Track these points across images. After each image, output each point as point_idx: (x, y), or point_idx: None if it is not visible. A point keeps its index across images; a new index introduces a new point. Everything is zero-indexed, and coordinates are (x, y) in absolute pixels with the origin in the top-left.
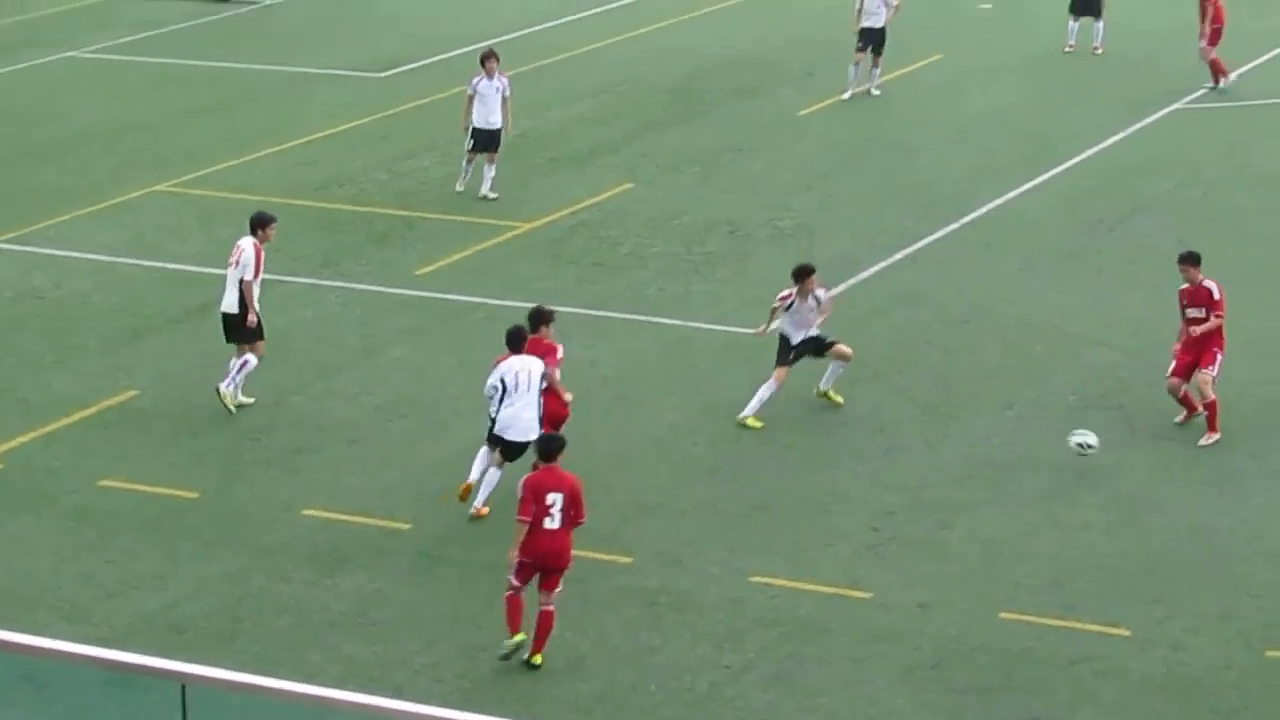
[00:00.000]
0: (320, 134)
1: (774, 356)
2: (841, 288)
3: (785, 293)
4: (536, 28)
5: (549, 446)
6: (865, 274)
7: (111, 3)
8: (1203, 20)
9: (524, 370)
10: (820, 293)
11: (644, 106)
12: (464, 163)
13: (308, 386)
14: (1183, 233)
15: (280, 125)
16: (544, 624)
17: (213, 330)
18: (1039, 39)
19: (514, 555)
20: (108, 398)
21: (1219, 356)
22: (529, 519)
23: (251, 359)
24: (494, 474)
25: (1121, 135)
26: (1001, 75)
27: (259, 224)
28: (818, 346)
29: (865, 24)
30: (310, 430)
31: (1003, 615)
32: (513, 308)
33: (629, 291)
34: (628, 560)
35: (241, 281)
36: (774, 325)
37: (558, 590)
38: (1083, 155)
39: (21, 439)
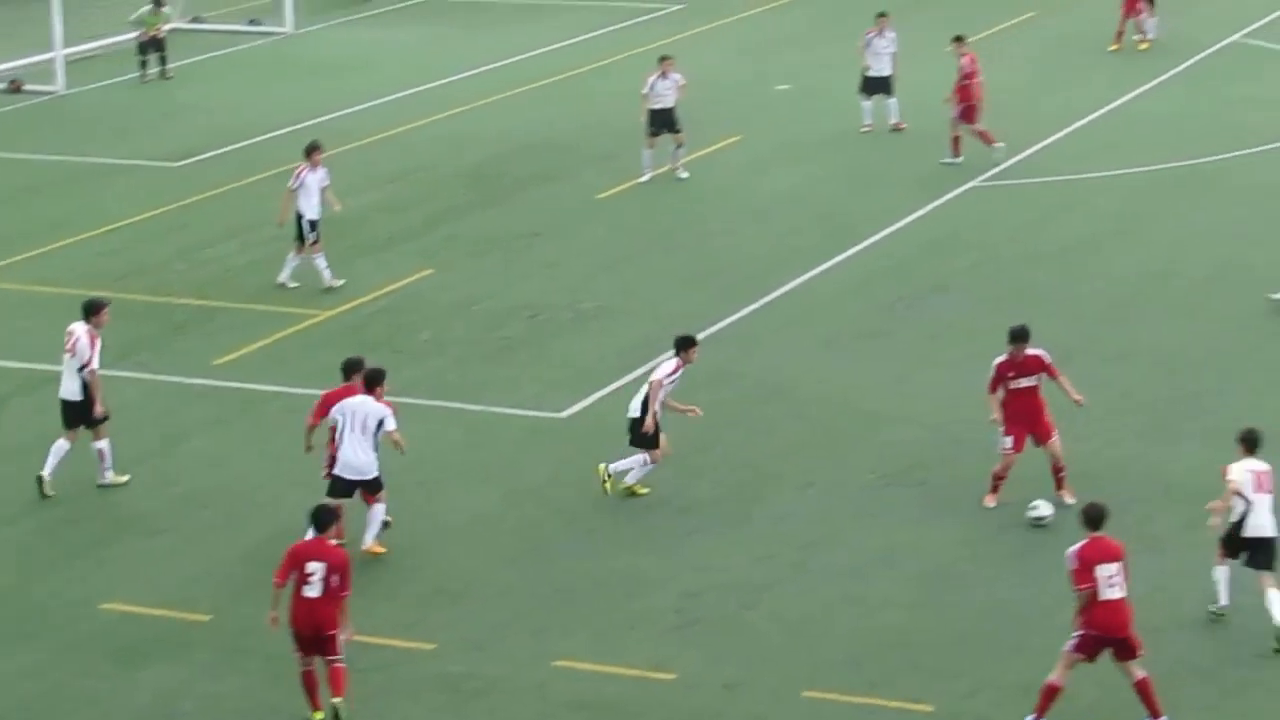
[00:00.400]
0: (118, 224)
1: (576, 439)
2: (642, 370)
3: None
4: (332, 115)
5: (320, 518)
6: (665, 355)
7: None
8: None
9: (359, 412)
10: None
11: (443, 192)
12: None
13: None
14: (980, 310)
15: (78, 216)
16: (334, 679)
17: (12, 424)
18: (836, 119)
19: (271, 616)
20: None
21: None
22: (282, 583)
23: (105, 443)
24: (371, 512)
25: (918, 214)
26: (800, 156)
27: (91, 310)
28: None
29: (653, 106)
30: (111, 522)
31: (806, 694)
32: (313, 396)
33: (430, 378)
34: (431, 647)
35: (82, 369)
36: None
37: (338, 656)
38: (880, 234)
39: None
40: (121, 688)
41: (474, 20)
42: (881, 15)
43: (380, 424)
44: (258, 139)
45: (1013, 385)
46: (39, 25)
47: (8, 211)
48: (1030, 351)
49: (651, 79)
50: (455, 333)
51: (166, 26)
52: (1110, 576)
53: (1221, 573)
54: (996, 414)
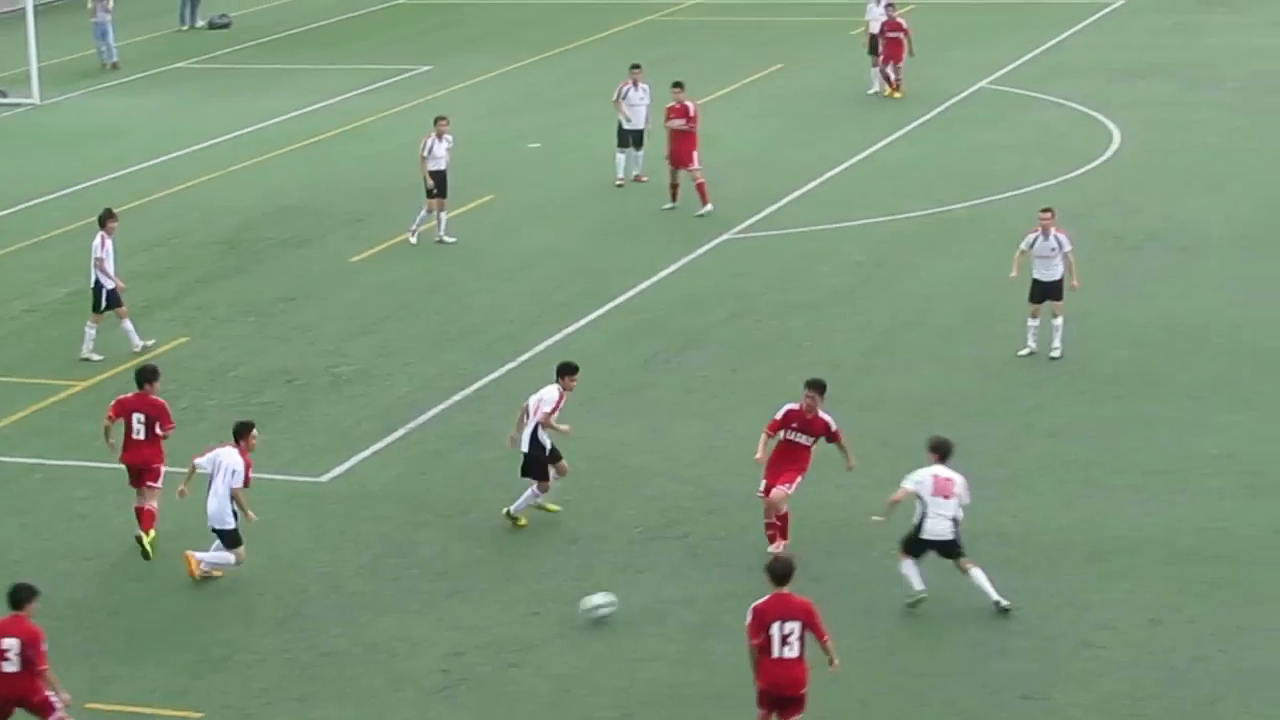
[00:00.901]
0: None
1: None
2: (401, 431)
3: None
4: (82, 185)
5: (14, 594)
6: (425, 416)
7: None
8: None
9: (221, 462)
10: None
11: (196, 259)
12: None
13: None
14: (737, 361)
15: None
16: None
17: None
18: (589, 175)
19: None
20: None
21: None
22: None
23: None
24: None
25: (674, 268)
26: (554, 213)
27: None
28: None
29: (432, 168)
30: None
31: None
32: (72, 466)
33: (188, 446)
34: (198, 716)
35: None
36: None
37: (56, 715)
38: (637, 289)
39: None
40: None
41: (222, 87)
42: (635, 67)
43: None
44: (6, 211)
45: (789, 437)
46: None
47: None
48: (823, 416)
49: (428, 140)
50: (213, 399)
51: None
52: (787, 635)
53: (907, 565)
54: (761, 454)
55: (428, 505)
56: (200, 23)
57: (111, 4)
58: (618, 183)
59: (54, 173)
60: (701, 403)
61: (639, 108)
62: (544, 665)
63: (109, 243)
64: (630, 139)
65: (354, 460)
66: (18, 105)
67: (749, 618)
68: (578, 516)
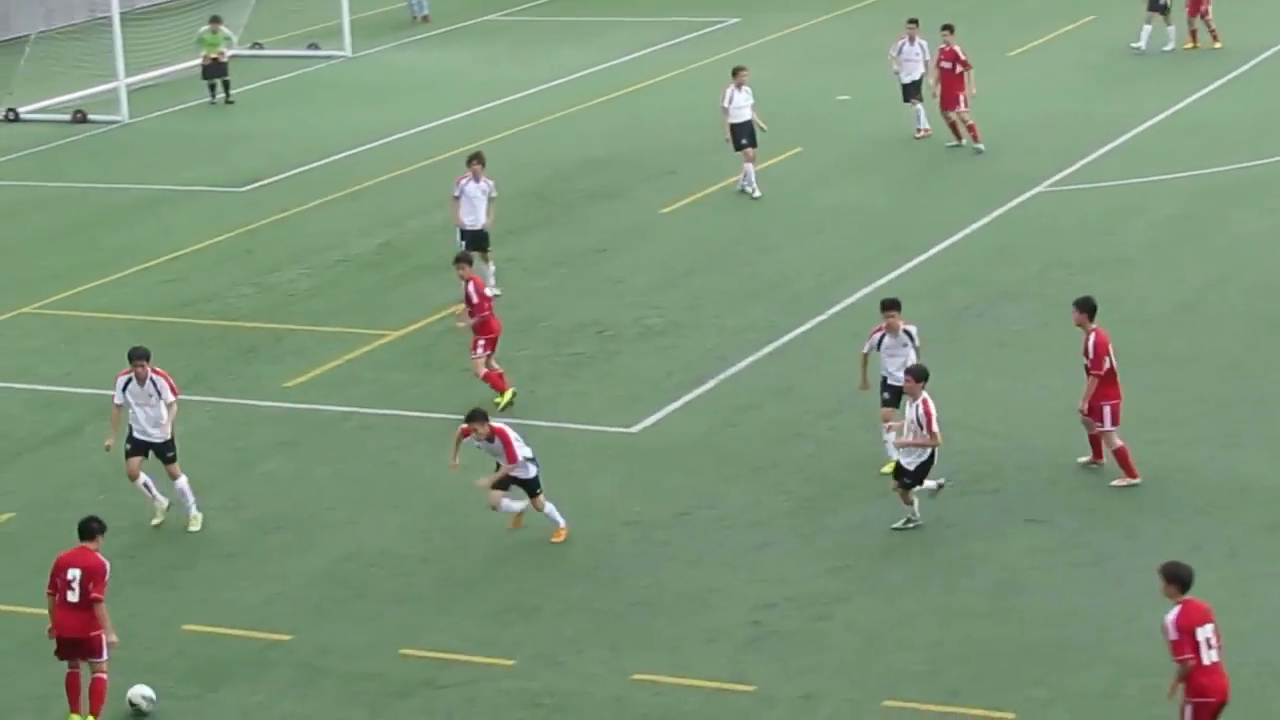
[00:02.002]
0: (184, 251)
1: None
2: (711, 384)
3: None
4: (393, 137)
5: (86, 526)
6: (734, 369)
7: None
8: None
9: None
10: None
11: (506, 211)
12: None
13: (182, 502)
14: (1050, 315)
15: (144, 243)
16: (95, 691)
17: (86, 450)
18: (898, 129)
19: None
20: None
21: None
22: (53, 593)
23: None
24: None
25: (984, 221)
26: (862, 165)
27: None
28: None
29: (734, 120)
30: (186, 546)
31: (886, 704)
32: (384, 415)
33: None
34: (509, 663)
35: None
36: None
37: (101, 659)
38: (946, 243)
39: None
40: (204, 708)
41: (530, 39)
42: (911, 22)
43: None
44: (320, 162)
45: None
46: (102, 56)
47: (75, 241)
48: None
49: (728, 90)
50: (523, 351)
51: (229, 51)
52: (1209, 639)
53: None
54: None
55: (737, 457)
56: None
57: None
58: (917, 134)
59: (365, 125)
60: (1013, 357)
61: (914, 63)
62: (853, 619)
63: (460, 184)
64: (907, 92)
65: (663, 412)
66: (330, 58)
67: (1173, 634)
68: (881, 478)
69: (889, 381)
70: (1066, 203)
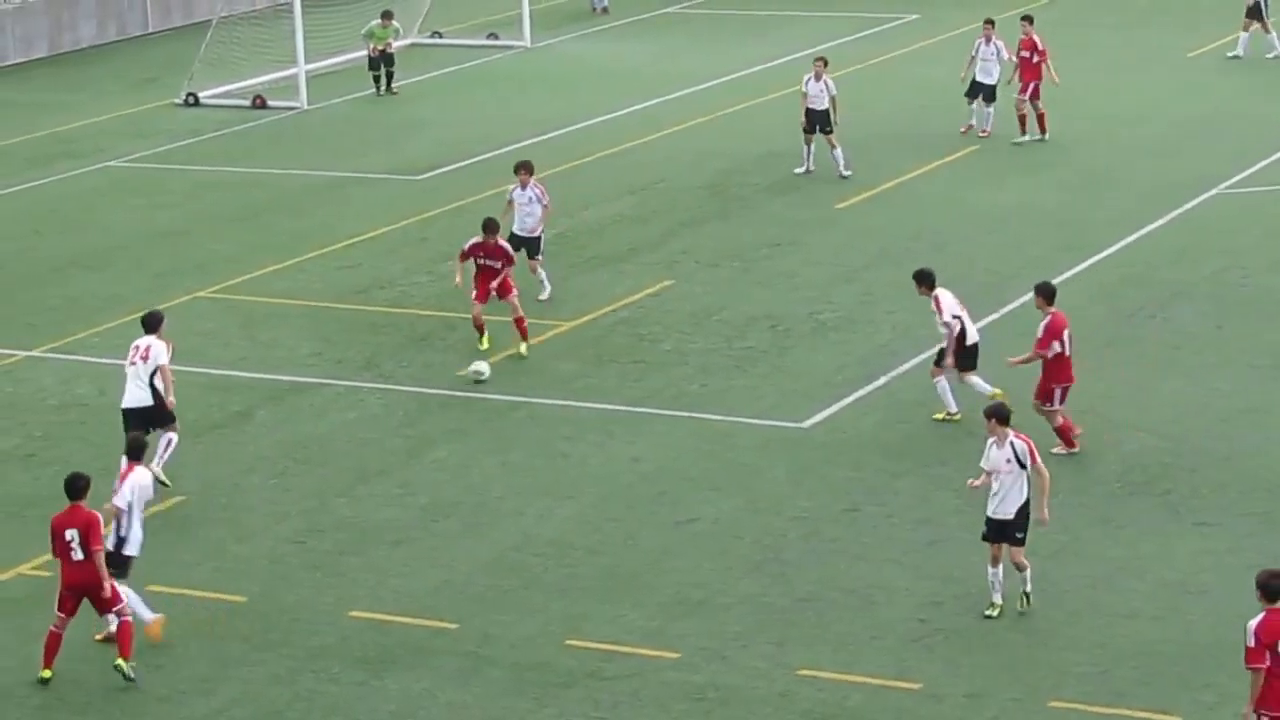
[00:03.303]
0: (360, 237)
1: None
2: (883, 380)
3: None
4: (570, 128)
5: (73, 484)
6: (906, 366)
7: (146, 113)
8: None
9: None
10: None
11: (681, 204)
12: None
13: (351, 489)
14: (1223, 318)
15: (320, 229)
16: (123, 631)
17: (257, 434)
18: (1072, 128)
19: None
20: (154, 503)
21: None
22: (57, 556)
23: (174, 436)
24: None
25: (1161, 222)
26: (1038, 165)
27: (158, 323)
28: None
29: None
30: (355, 533)
31: (1052, 704)
32: (555, 405)
33: (670, 388)
34: (674, 656)
35: (158, 371)
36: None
37: (118, 606)
38: (1120, 244)
39: None
40: (368, 695)
41: (709, 33)
42: (988, 23)
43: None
44: (497, 152)
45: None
46: (282, 42)
47: (252, 226)
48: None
49: (807, 78)
50: (695, 343)
51: (397, 42)
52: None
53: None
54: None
55: (907, 454)
56: None
57: None
58: (975, 130)
59: (542, 116)
60: (1186, 358)
61: (990, 63)
62: (1020, 618)
63: (511, 192)
64: (980, 92)
65: (835, 407)
66: (509, 48)
67: (1250, 641)
68: (1059, 468)
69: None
70: (1243, 205)
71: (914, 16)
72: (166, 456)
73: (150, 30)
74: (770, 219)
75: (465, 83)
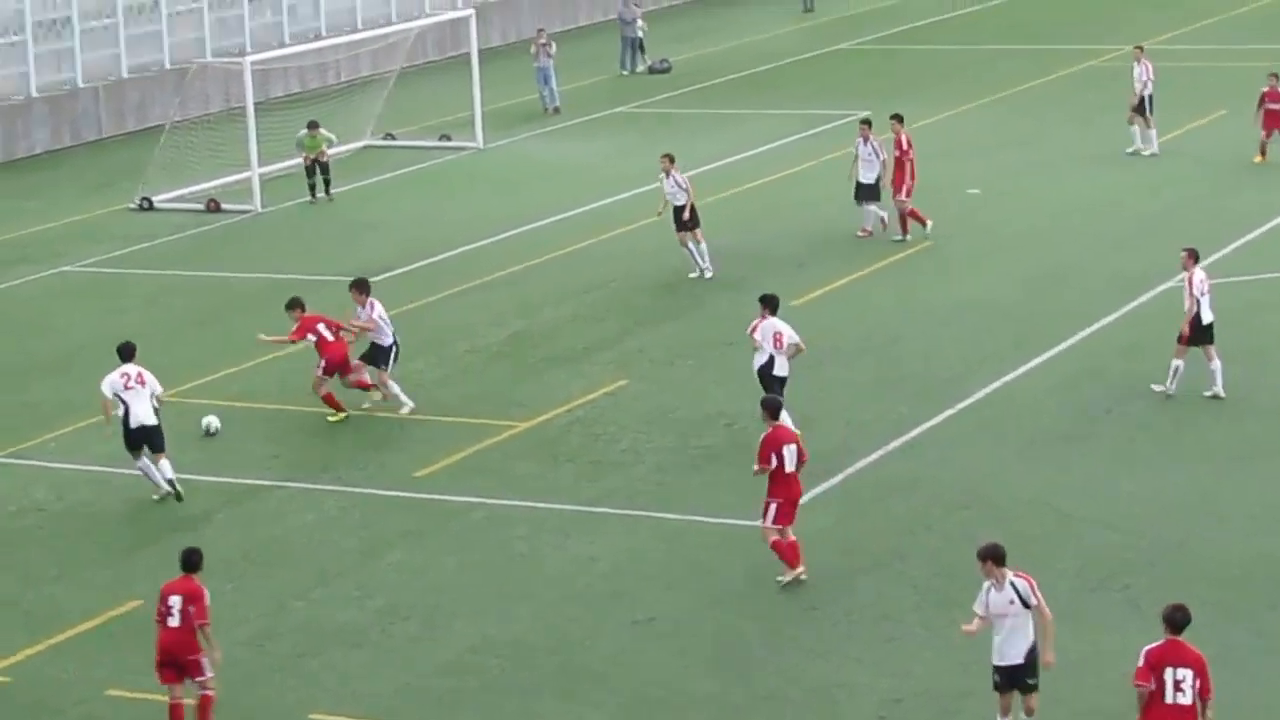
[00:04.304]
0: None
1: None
2: (839, 477)
3: None
4: (524, 228)
5: (188, 559)
6: (862, 463)
7: (102, 217)
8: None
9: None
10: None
11: (634, 302)
12: None
13: (309, 591)
14: (1178, 413)
15: (275, 331)
16: (204, 705)
17: (215, 537)
18: (1026, 220)
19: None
20: (112, 608)
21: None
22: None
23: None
24: None
25: (1112, 317)
26: (991, 259)
27: (134, 351)
28: None
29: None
30: (313, 635)
31: None
32: (512, 506)
33: (627, 487)
34: None
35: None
36: None
37: (203, 678)
38: (1074, 338)
39: (27, 652)
40: None
41: (661, 131)
42: (864, 123)
43: None
44: (450, 253)
45: None
46: (236, 146)
47: (209, 329)
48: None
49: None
50: (652, 442)
51: (330, 150)
52: (1180, 682)
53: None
54: None
55: (865, 550)
56: (641, 68)
57: (554, 50)
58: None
59: (495, 216)
60: (1143, 452)
61: (870, 163)
62: (982, 714)
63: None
64: (864, 194)
65: None
66: (462, 149)
67: (1140, 660)
68: (1016, 565)
69: None
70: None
71: (865, 113)
72: (172, 474)
73: (104, 135)
74: (724, 317)
75: (418, 184)
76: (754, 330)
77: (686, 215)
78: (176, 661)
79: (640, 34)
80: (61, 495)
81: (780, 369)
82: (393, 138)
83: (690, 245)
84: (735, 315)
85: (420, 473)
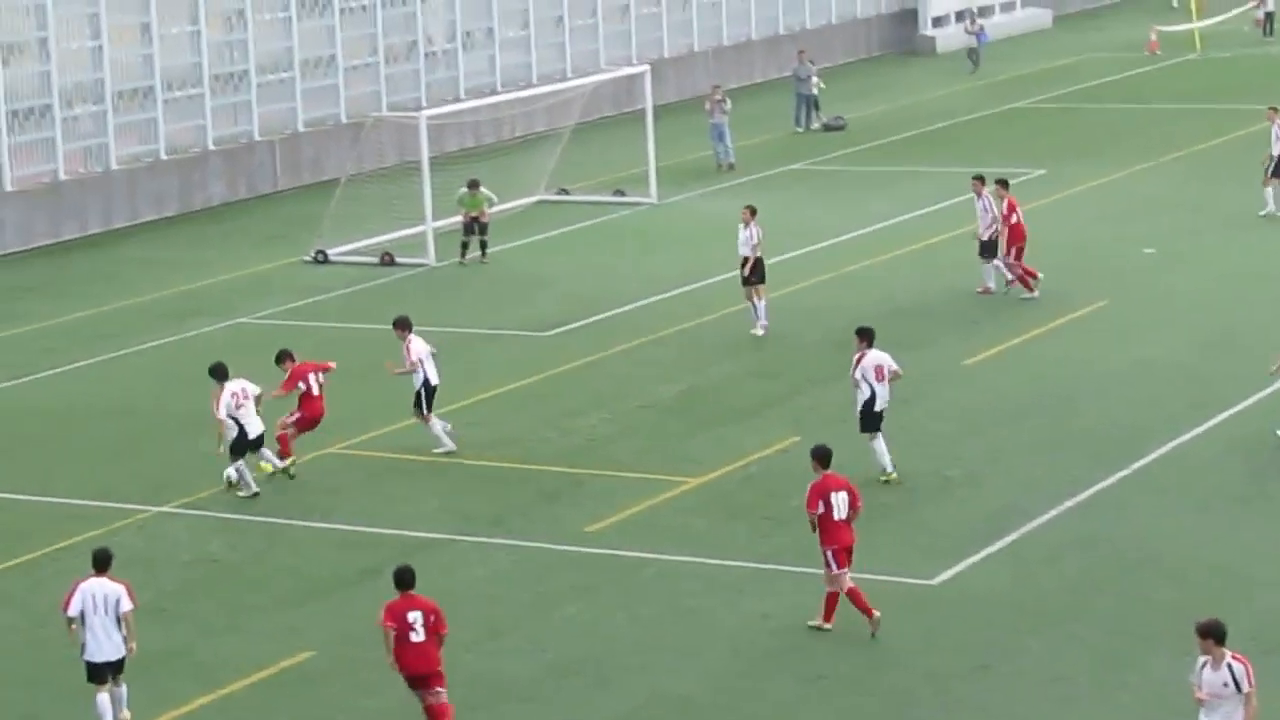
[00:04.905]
0: (487, 393)
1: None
2: (1011, 536)
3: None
4: (696, 284)
5: (404, 576)
6: (1035, 523)
7: (275, 270)
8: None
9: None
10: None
11: (808, 360)
12: None
13: (480, 644)
14: None
15: (448, 385)
16: (445, 713)
17: (386, 591)
18: (1202, 281)
19: (389, 660)
20: (283, 659)
21: None
22: (397, 634)
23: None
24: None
25: None
26: (1167, 320)
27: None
28: None
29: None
30: (484, 687)
31: None
32: (683, 562)
33: (799, 544)
34: None
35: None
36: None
37: (440, 689)
38: (1251, 399)
39: (199, 701)
40: None
41: (832, 189)
42: (976, 179)
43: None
44: (624, 308)
45: None
46: (410, 200)
47: (381, 382)
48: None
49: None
50: None
51: (490, 209)
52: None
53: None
54: None
55: (1038, 610)
56: (816, 125)
57: (729, 106)
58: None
59: (668, 272)
60: None
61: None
62: None
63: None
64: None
65: (964, 564)
66: (636, 204)
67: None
68: (1191, 627)
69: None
70: None
71: (1040, 172)
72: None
73: (279, 188)
74: None
75: (592, 239)
76: (855, 368)
77: (749, 270)
78: (424, 675)
79: (815, 91)
80: (234, 546)
81: (881, 403)
82: (566, 192)
83: (754, 300)
84: (907, 374)
85: (592, 527)
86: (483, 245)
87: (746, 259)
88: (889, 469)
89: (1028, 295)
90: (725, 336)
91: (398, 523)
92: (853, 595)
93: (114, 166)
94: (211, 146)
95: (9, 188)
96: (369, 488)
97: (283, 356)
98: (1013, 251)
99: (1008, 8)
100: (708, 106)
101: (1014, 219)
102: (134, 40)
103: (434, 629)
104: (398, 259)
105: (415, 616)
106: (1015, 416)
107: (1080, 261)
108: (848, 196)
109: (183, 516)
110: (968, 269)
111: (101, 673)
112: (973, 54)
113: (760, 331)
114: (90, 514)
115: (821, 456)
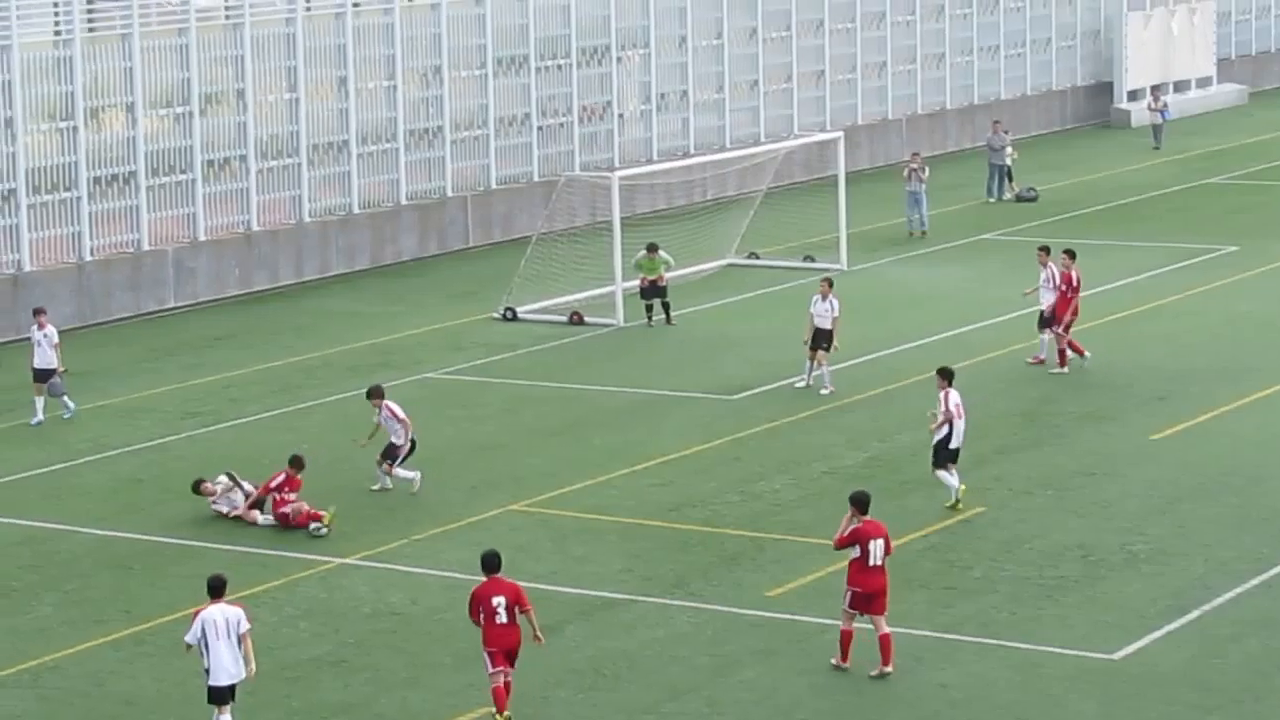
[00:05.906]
0: (672, 456)
1: None
2: (1196, 613)
3: None
4: (882, 353)
5: (492, 560)
6: (1219, 600)
7: (465, 326)
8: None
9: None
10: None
11: (995, 429)
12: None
13: (659, 705)
14: None
15: (633, 446)
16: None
17: (567, 648)
18: None
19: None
20: (464, 714)
21: None
22: (477, 620)
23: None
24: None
25: None
26: None
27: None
28: None
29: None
30: None
31: None
32: (864, 629)
33: (980, 615)
34: None
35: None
36: None
37: (508, 669)
38: None
39: None
40: None
41: (1023, 260)
42: (1041, 250)
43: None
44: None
45: None
46: (600, 259)
47: (567, 440)
48: None
49: (814, 297)
50: (1006, 570)
51: (668, 273)
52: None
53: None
54: None
55: (1219, 688)
56: (1008, 195)
57: (927, 174)
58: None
59: (855, 338)
60: None
61: (1044, 289)
62: None
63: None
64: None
65: (1147, 639)
66: (825, 270)
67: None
68: None
69: None
70: None
71: (1233, 248)
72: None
73: (470, 244)
74: (1084, 448)
75: (781, 304)
76: (947, 404)
77: (815, 337)
78: (511, 650)
79: (1009, 161)
80: (416, 599)
81: (956, 440)
82: (756, 256)
83: (815, 364)
84: (1097, 447)
85: (773, 592)
86: (665, 308)
87: (819, 330)
88: (955, 495)
89: (1057, 370)
90: (911, 405)
91: (580, 582)
92: (845, 637)
93: (306, 219)
94: (404, 201)
95: (202, 237)
96: (553, 546)
97: (296, 461)
98: (1062, 324)
99: (1203, 83)
100: (905, 173)
101: (1067, 292)
102: (330, 94)
103: (516, 611)
104: (587, 319)
105: (499, 601)
106: (1202, 493)
107: (1271, 337)
108: (1036, 268)
109: (364, 569)
110: (1159, 342)
111: (224, 695)
112: (1156, 131)
113: (824, 390)
114: (271, 563)
115: (860, 502)
